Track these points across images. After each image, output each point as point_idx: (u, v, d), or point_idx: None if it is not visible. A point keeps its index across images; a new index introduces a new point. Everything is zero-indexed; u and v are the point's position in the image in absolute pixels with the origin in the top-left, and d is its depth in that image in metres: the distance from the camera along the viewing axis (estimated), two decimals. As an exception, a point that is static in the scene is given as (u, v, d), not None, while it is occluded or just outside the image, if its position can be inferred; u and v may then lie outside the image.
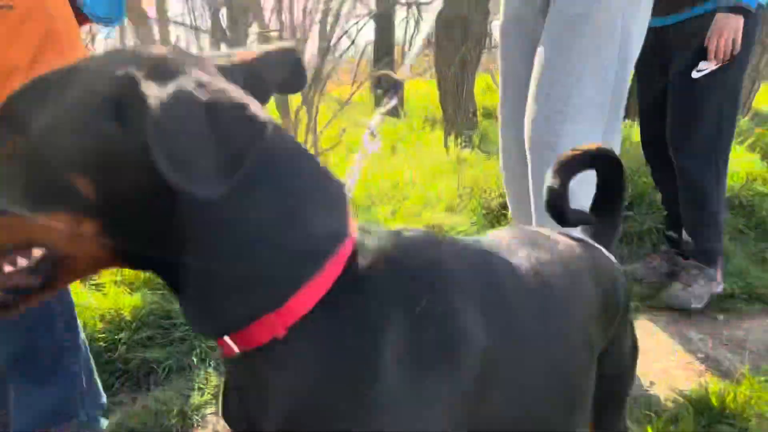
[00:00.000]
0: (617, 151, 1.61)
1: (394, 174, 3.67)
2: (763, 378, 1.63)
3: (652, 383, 1.88)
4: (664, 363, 2.04)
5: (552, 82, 1.53)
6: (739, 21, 2.07)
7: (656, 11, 2.15)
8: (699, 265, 2.36)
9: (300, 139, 3.87)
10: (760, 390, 1.57)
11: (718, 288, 2.39)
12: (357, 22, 4.66)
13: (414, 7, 8.10)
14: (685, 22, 2.19)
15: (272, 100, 4.63)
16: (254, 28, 3.85)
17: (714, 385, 1.71)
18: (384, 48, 7.12)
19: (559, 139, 1.48)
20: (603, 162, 1.00)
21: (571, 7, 1.55)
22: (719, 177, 2.31)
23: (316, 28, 4.17)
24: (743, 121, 3.75)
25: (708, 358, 2.06)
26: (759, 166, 3.18)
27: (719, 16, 2.10)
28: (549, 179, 0.92)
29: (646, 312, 2.38)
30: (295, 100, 4.10)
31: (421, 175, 3.62)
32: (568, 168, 0.94)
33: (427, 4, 7.46)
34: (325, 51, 3.97)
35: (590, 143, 0.98)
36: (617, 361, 0.99)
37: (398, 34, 9.19)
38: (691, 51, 2.18)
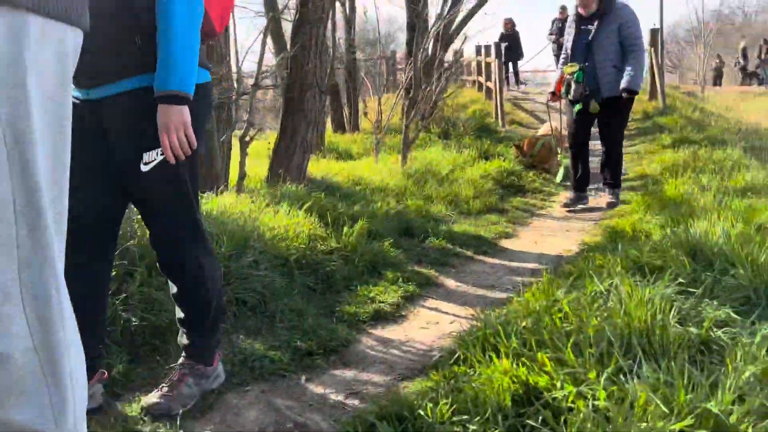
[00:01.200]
0: None
1: None
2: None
3: (246, 471, 1.73)
4: (257, 443, 1.93)
5: None
6: (182, 111, 1.77)
7: (82, 81, 1.77)
8: (191, 363, 2.11)
9: None
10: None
11: (214, 383, 2.19)
12: None
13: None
14: (116, 98, 1.81)
15: None
16: None
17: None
18: None
19: None
20: None
21: None
22: (205, 278, 2.05)
23: None
24: (299, 188, 4.13)
25: (298, 425, 2.04)
26: (318, 228, 3.51)
27: (160, 109, 1.76)
28: None
29: (233, 389, 2.25)
30: None
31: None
32: None
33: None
34: None
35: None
36: None
37: None
38: (128, 136, 1.84)
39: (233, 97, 4.05)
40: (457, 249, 3.96)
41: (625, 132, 8.68)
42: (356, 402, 2.18)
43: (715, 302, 2.42)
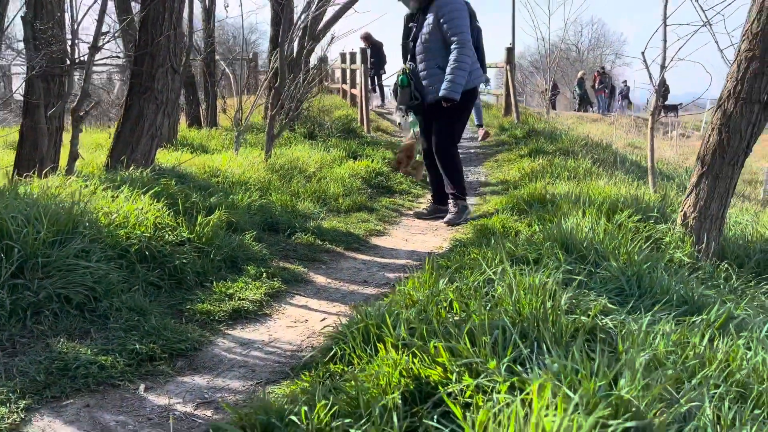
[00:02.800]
0: None
1: None
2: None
3: None
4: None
5: None
6: None
7: None
8: None
9: None
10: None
11: None
12: None
13: None
14: None
15: None
16: None
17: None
18: None
19: None
20: None
21: None
22: None
23: None
24: (145, 173, 3.59)
25: (130, 444, 1.61)
26: (166, 216, 3.02)
27: None
28: None
29: (46, 405, 1.76)
30: None
31: None
32: None
33: None
34: None
35: None
36: None
37: None
38: None
39: (67, 64, 3.42)
40: (327, 245, 3.66)
41: (484, 143, 9.06)
42: (209, 413, 1.79)
43: (593, 294, 2.36)
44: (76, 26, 3.29)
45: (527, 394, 1.29)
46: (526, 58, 35.78)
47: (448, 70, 4.15)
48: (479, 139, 9.07)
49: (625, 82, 24.63)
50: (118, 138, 4.21)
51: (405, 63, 4.44)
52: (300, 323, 2.53)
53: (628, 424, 1.27)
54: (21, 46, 4.23)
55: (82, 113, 3.34)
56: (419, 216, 4.71)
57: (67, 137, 4.19)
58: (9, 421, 1.66)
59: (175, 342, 2.18)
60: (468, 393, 1.46)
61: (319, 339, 2.32)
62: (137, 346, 2.10)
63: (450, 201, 4.51)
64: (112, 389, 1.89)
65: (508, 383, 1.46)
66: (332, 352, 1.88)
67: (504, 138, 9.03)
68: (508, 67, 10.32)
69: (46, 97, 3.74)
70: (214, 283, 2.75)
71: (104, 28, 3.24)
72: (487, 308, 1.91)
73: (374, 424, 1.28)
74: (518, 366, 1.55)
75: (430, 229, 4.42)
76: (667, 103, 20.05)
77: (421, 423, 1.38)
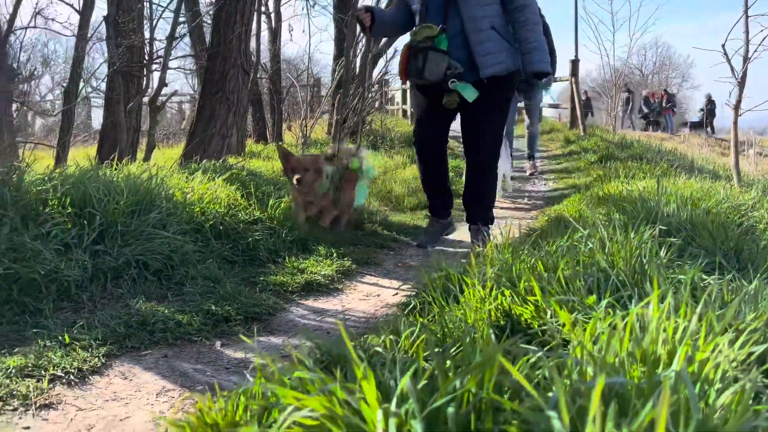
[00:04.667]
0: None
1: None
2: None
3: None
4: (150, 408, 1.44)
5: None
6: None
7: None
8: None
9: None
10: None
11: None
12: None
13: None
14: None
15: None
16: None
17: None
18: None
19: None
20: None
21: None
22: None
23: None
24: (217, 164, 3.65)
25: (212, 387, 1.57)
26: (239, 197, 3.05)
27: None
28: None
29: (125, 354, 1.75)
30: None
31: None
32: None
33: None
34: None
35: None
36: None
37: None
38: None
39: (146, 59, 3.55)
40: (394, 235, 3.60)
41: (550, 153, 8.81)
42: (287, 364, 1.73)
43: (686, 265, 2.19)
44: (155, 23, 3.43)
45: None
46: (587, 84, 35.15)
47: (528, 35, 2.89)
48: (527, 173, 7.08)
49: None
50: (191, 137, 4.32)
51: (426, 20, 2.99)
52: (372, 297, 2.46)
53: (759, 347, 1.12)
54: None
55: (159, 104, 3.44)
56: (421, 245, 3.32)
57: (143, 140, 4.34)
58: (91, 363, 1.66)
59: (249, 306, 2.16)
60: (566, 328, 1.34)
61: (394, 310, 2.24)
62: (213, 308, 2.08)
63: (478, 225, 3.30)
64: (189, 344, 1.87)
65: (608, 320, 1.34)
66: (411, 306, 1.79)
67: (572, 148, 8.80)
68: (573, 80, 10.12)
69: (125, 96, 3.89)
70: (286, 259, 2.72)
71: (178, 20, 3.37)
72: (578, 262, 1.79)
73: (474, 341, 1.17)
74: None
75: (499, 222, 4.29)
76: (695, 120, 19.43)
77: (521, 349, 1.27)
